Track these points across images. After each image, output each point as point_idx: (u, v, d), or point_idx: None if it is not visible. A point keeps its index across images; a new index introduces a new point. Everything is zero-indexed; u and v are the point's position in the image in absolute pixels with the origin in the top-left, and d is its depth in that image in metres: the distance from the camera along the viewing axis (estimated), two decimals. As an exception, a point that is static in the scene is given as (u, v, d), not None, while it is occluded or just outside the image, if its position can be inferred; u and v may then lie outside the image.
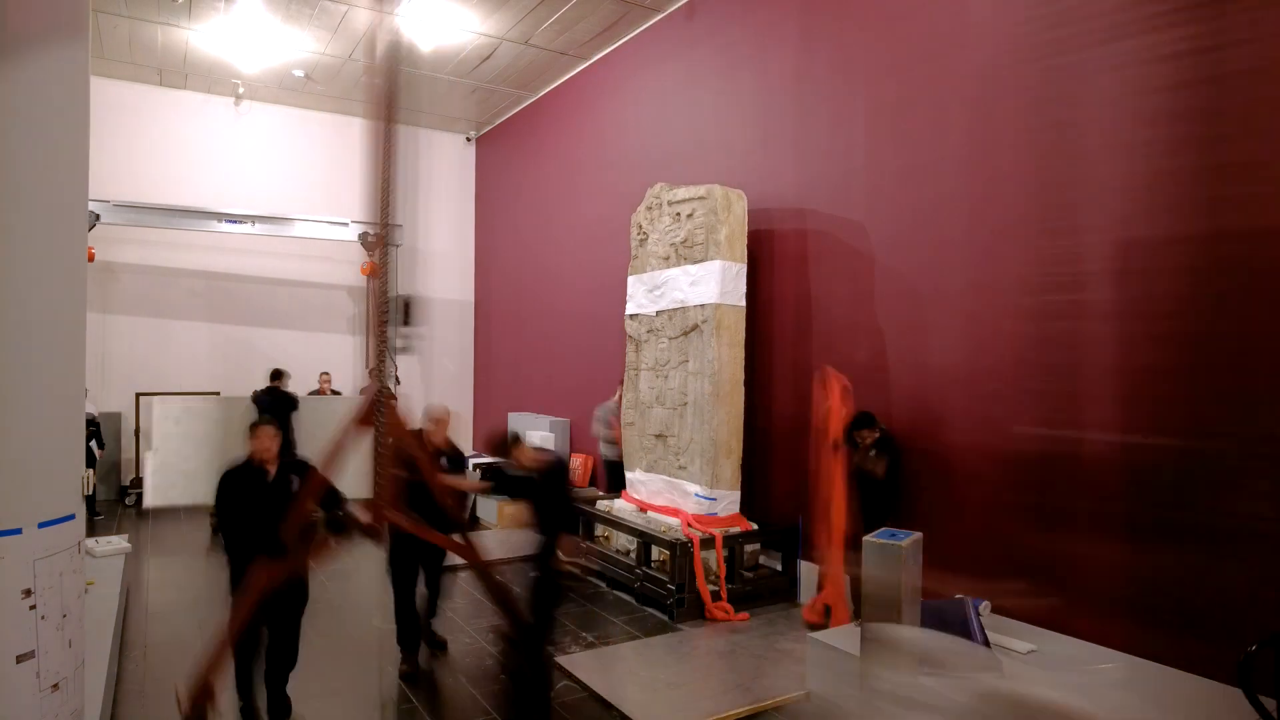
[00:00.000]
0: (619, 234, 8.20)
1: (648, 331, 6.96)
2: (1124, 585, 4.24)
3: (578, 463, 9.22)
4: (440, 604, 5.32)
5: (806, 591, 6.19)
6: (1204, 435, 3.95)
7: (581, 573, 6.22)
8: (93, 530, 7.23)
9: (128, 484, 10.05)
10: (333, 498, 3.95)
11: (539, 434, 9.15)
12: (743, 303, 6.42)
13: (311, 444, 6.28)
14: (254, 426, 4.03)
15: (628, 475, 7.16)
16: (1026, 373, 4.77)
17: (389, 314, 3.90)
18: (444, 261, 12.66)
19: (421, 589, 4.96)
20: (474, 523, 8.63)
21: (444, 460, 4.86)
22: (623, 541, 6.74)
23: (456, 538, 4.25)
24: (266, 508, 3.83)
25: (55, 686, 3.13)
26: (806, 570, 6.22)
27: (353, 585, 6.50)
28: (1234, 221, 3.90)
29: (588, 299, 9.41)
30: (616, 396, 7.82)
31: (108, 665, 4.11)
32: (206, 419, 8.07)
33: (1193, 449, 3.99)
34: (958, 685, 3.03)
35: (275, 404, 8.29)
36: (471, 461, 7.65)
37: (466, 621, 5.64)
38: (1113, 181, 4.36)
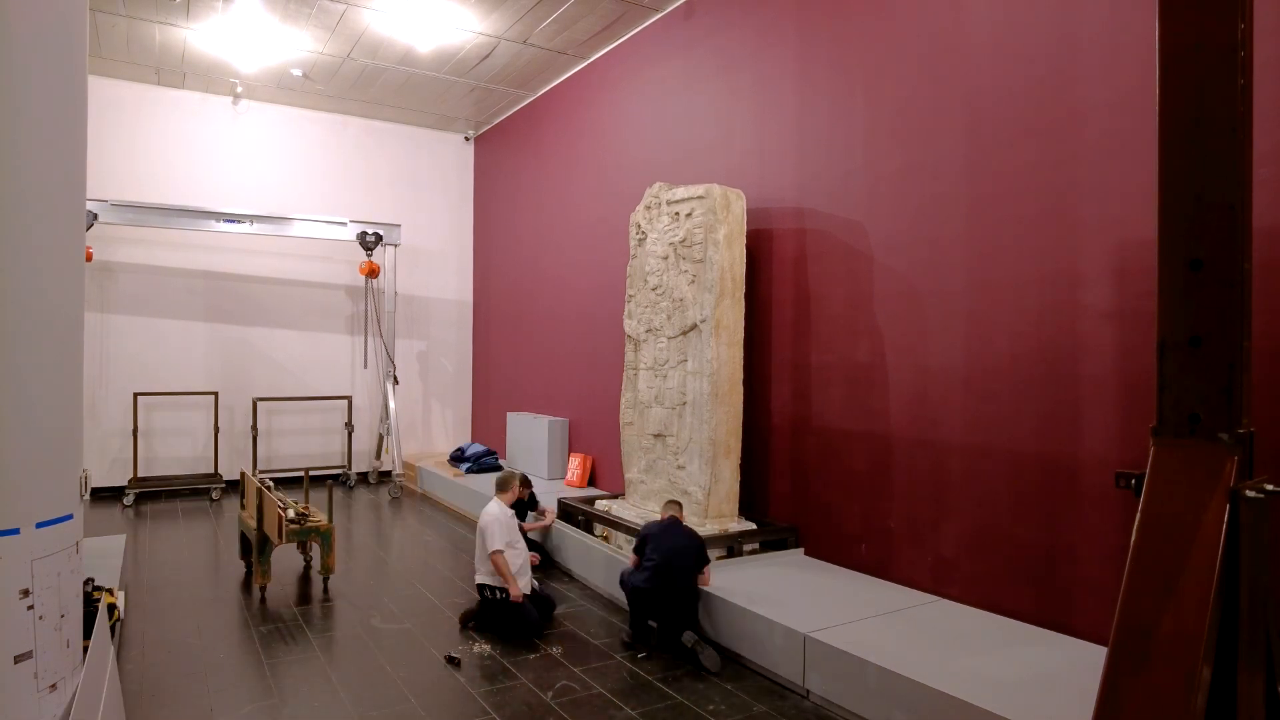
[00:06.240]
0: (618, 234, 8.20)
1: (646, 331, 6.96)
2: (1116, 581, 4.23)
3: (576, 462, 9.21)
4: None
5: (806, 591, 6.19)
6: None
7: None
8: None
9: (126, 484, 10.04)
10: None
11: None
12: (742, 302, 6.42)
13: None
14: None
15: (626, 476, 7.14)
16: (1027, 373, 4.77)
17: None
18: (442, 261, 12.66)
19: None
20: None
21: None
22: (622, 541, 6.72)
23: None
24: None
25: (53, 686, 3.13)
26: (806, 570, 6.21)
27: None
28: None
29: (587, 298, 9.41)
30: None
31: (108, 665, 4.10)
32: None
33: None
34: None
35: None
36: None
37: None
38: (1113, 181, 4.37)
